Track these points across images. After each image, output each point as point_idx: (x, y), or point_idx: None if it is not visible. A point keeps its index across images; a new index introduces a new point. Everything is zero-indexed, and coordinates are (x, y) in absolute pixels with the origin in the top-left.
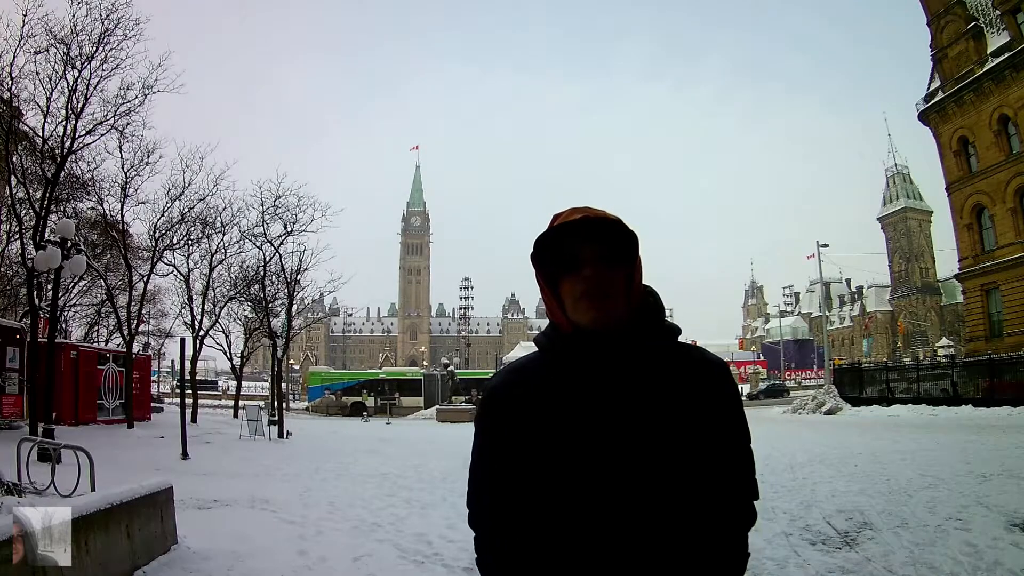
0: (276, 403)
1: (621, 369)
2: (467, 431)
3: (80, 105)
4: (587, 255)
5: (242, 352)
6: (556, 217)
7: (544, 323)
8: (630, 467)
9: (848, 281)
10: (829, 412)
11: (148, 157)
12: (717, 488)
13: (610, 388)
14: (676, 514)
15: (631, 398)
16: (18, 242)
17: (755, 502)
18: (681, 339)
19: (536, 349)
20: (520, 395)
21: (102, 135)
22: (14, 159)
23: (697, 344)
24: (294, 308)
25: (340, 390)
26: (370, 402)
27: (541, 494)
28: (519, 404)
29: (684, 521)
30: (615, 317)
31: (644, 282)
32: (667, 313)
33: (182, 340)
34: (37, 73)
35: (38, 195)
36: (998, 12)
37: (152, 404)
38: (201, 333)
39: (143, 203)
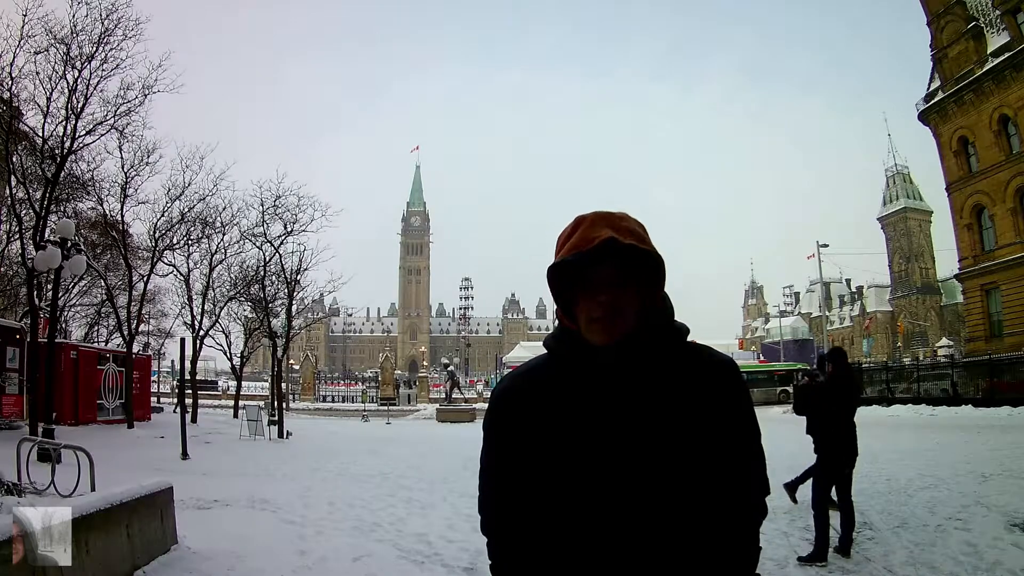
0: (276, 403)
1: (629, 371)
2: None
3: (80, 105)
4: (604, 277)
5: (242, 352)
6: (580, 221)
7: (544, 323)
8: (638, 468)
9: (848, 281)
10: None
11: (148, 157)
12: (727, 486)
13: (618, 390)
14: (685, 513)
15: (638, 400)
16: (18, 242)
17: (766, 497)
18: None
19: (544, 351)
20: (528, 398)
21: (102, 135)
22: (14, 159)
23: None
24: (294, 308)
25: None
26: None
27: (550, 497)
28: (527, 407)
29: (694, 519)
30: (626, 332)
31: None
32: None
33: (182, 340)
34: (37, 73)
35: (38, 195)
36: (998, 12)
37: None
38: (201, 333)
39: (143, 203)
